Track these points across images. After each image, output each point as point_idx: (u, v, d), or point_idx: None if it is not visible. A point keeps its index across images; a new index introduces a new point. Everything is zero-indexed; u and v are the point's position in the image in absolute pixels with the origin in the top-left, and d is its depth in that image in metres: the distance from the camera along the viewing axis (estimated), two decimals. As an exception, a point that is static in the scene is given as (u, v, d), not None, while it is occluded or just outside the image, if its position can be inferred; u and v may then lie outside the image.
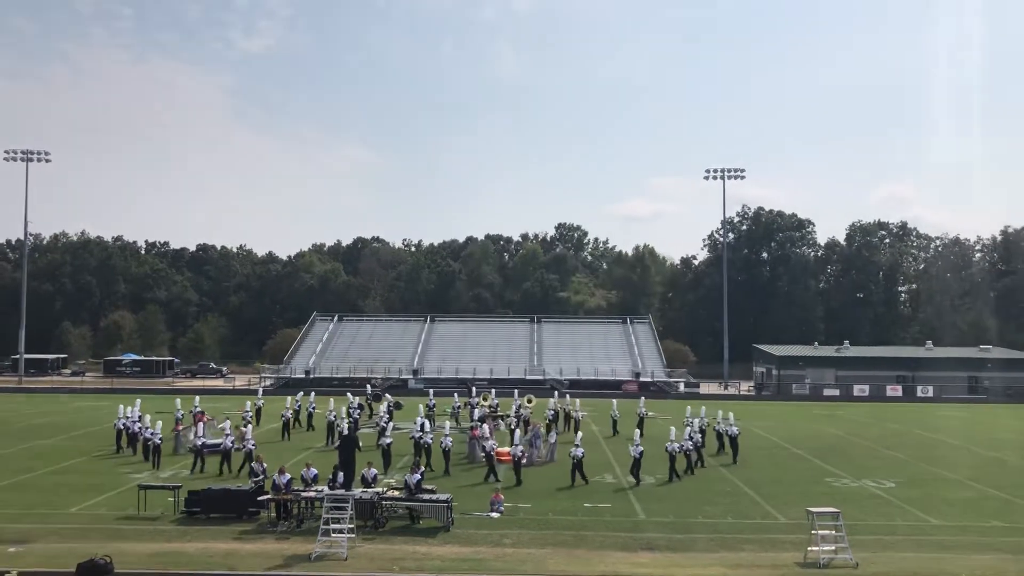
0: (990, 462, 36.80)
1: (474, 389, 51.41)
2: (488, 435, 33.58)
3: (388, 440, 33.12)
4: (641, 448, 30.83)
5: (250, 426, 36.42)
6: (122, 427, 36.31)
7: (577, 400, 48.20)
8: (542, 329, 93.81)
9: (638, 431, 34.35)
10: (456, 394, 50.29)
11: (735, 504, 27.03)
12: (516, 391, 49.44)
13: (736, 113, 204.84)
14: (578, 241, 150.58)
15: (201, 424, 33.60)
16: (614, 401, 46.96)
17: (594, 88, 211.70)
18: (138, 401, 38.78)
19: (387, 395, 48.83)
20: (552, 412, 43.47)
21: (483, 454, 31.69)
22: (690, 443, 32.69)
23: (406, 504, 23.87)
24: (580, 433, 33.22)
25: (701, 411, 39.37)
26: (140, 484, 25.87)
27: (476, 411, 41.62)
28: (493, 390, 53.62)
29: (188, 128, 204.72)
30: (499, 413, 45.11)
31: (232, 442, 31.65)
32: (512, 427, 38.76)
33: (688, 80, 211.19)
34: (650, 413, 47.09)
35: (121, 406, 37.56)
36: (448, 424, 35.43)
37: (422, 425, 33.66)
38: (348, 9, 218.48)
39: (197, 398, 43.80)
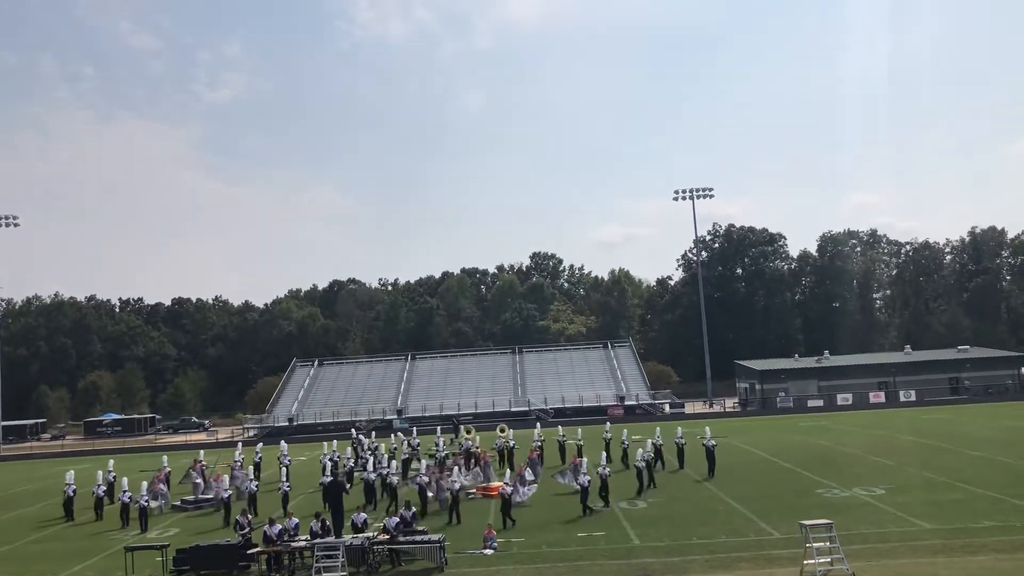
0: (977, 462, 36.98)
1: (464, 429, 51.05)
2: (453, 475, 33.09)
3: (372, 476, 32.90)
4: (608, 470, 31.44)
5: (231, 474, 35.84)
6: (102, 494, 35.01)
7: (579, 429, 47.67)
8: (524, 360, 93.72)
9: (604, 454, 34.55)
10: (439, 429, 49.83)
11: (728, 523, 26.96)
12: (499, 426, 49.26)
13: (700, 133, 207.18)
14: (554, 269, 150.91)
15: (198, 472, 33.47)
16: (607, 424, 47.06)
17: (558, 117, 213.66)
18: (111, 462, 38.10)
19: (398, 433, 48.48)
20: (538, 443, 43.11)
21: (446, 494, 31.08)
22: (642, 462, 33.38)
23: (397, 547, 23.60)
24: (585, 459, 33.14)
25: (656, 431, 40.41)
26: (127, 546, 25.43)
27: (442, 449, 41.51)
28: (472, 427, 53.14)
29: (157, 183, 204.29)
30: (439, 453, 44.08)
31: (228, 494, 31.57)
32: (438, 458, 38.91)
33: (651, 103, 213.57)
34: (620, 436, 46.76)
35: (99, 472, 36.80)
36: (424, 463, 35.13)
37: (374, 464, 33.73)
38: (311, 55, 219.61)
39: (201, 452, 43.30)
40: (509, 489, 28.94)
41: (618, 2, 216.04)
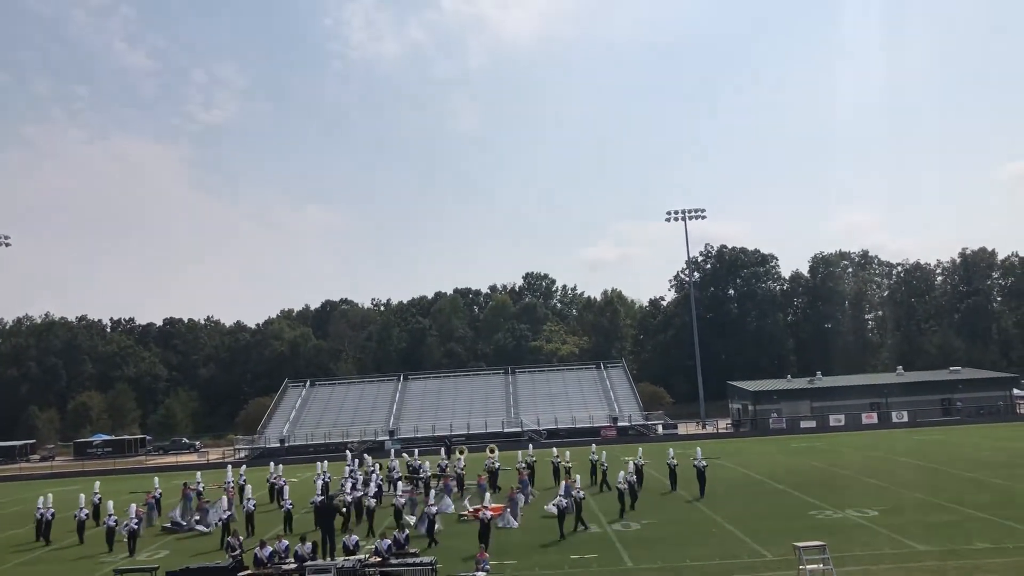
0: (970, 483, 37.00)
1: (457, 450, 50.83)
2: (430, 499, 32.81)
3: (372, 501, 32.71)
4: (583, 493, 31.53)
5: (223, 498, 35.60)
6: (85, 517, 34.26)
7: (567, 451, 47.42)
8: (517, 380, 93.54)
9: (577, 476, 34.27)
10: (416, 452, 49.49)
11: (721, 544, 26.88)
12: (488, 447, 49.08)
13: (693, 154, 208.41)
14: (546, 289, 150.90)
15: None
16: (592, 446, 46.85)
17: (551, 137, 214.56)
18: (97, 484, 37.71)
19: (398, 456, 48.29)
20: (523, 464, 42.79)
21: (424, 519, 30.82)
22: (624, 484, 33.41)
23: (389, 570, 23.45)
24: (578, 476, 33.03)
25: (638, 451, 40.60)
26: (116, 568, 25.20)
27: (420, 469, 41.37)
28: (465, 448, 52.89)
29: (150, 202, 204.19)
30: (420, 476, 43.77)
31: (228, 514, 31.66)
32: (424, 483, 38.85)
33: (644, 123, 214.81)
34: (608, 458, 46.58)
35: (82, 495, 36.34)
36: (401, 485, 34.91)
37: (352, 485, 33.53)
38: (305, 75, 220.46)
39: (199, 473, 43.05)
40: (489, 514, 28.44)
41: (611, 23, 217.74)
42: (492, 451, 46.30)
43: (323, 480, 39.18)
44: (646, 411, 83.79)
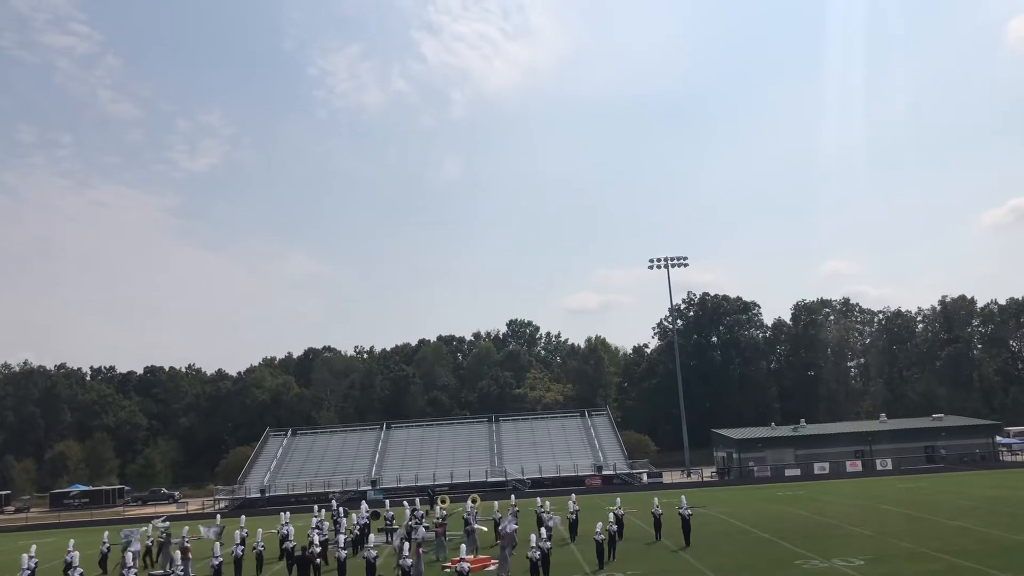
0: (955, 531, 36.88)
1: (438, 503, 50.14)
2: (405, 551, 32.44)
3: (373, 552, 32.14)
4: (549, 544, 31.00)
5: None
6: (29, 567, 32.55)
7: (547, 501, 46.94)
8: (501, 428, 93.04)
9: (543, 529, 33.59)
10: (387, 502, 48.86)
11: (708, 595, 26.62)
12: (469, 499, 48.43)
13: (675, 202, 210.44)
14: (530, 337, 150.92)
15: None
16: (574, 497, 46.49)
17: (534, 186, 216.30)
18: (71, 541, 36.86)
19: (363, 504, 47.50)
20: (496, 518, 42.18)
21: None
22: (601, 535, 32.87)
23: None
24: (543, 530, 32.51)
25: (616, 501, 40.28)
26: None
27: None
28: (448, 498, 52.18)
29: (132, 250, 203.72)
30: (391, 527, 43.03)
31: (218, 560, 31.35)
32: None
33: (626, 172, 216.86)
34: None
35: (34, 546, 35.39)
36: (373, 537, 34.40)
37: (320, 534, 33.25)
38: (291, 124, 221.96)
39: (186, 528, 42.26)
40: (467, 566, 27.68)
41: (592, 76, 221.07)
42: (475, 501, 45.77)
43: (286, 530, 38.41)
44: (631, 459, 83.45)
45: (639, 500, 52.94)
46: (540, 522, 39.06)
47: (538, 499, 45.59)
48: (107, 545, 38.74)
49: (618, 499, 41.84)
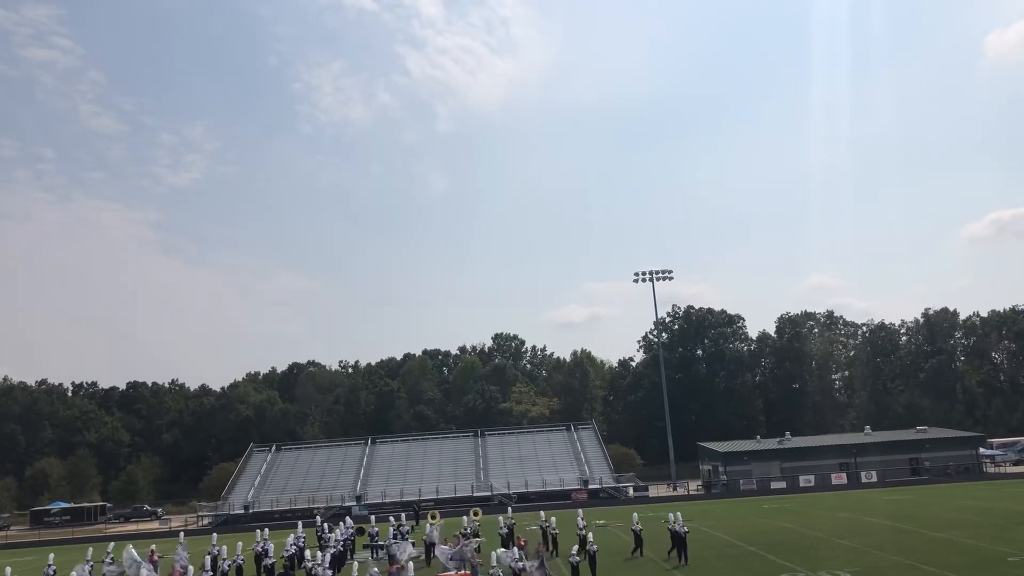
0: (940, 543, 36.95)
1: (430, 515, 49.76)
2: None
3: (328, 573, 31.90)
4: (523, 563, 30.00)
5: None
6: None
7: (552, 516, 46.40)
8: (486, 443, 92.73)
9: (516, 548, 33.26)
10: (400, 516, 48.50)
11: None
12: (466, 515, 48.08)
13: (660, 216, 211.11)
14: (516, 350, 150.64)
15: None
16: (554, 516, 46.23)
17: (520, 200, 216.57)
18: (51, 555, 36.47)
19: (347, 518, 47.07)
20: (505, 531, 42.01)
21: None
22: (575, 558, 32.36)
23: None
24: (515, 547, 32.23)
25: (579, 513, 40.55)
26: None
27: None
28: (437, 513, 51.82)
29: (115, 265, 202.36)
30: (377, 543, 42.64)
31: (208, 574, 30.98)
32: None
33: (611, 186, 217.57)
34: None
35: (9, 568, 34.99)
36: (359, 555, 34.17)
37: (298, 551, 32.97)
38: (275, 138, 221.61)
39: (182, 535, 41.87)
40: None
41: (577, 90, 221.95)
42: (476, 514, 45.47)
43: (262, 547, 37.94)
44: (617, 473, 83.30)
45: (624, 515, 52.77)
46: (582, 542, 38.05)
47: (541, 513, 44.85)
48: (90, 563, 38.25)
49: (581, 511, 41.30)
